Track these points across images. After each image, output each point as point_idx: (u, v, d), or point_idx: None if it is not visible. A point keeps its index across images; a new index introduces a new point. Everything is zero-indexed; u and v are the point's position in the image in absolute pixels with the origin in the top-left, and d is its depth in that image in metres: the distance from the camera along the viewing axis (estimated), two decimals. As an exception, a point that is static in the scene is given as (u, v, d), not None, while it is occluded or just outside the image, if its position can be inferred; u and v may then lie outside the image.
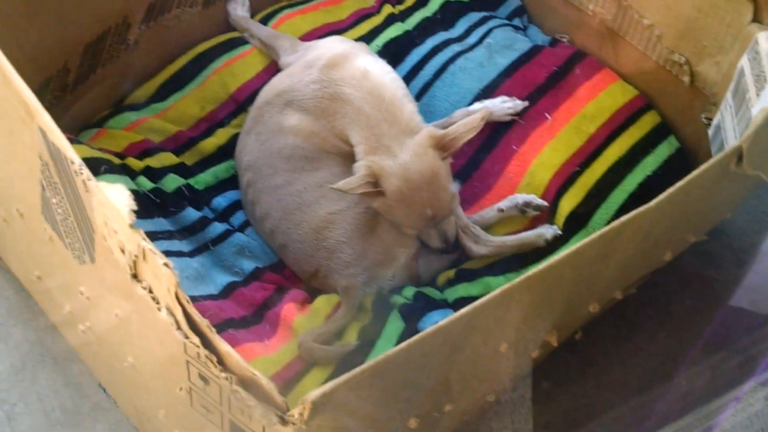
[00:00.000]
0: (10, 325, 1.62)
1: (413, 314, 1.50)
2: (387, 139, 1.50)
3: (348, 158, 1.56)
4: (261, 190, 1.60)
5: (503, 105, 1.71)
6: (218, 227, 1.60)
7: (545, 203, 1.63)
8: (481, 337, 1.09)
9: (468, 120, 1.49)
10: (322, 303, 1.54)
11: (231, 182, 1.70)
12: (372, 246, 1.55)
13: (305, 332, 1.48)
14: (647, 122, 1.74)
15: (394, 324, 1.50)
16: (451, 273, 1.61)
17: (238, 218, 1.66)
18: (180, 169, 1.67)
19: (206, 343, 1.02)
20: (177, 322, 1.03)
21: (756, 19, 1.50)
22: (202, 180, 1.68)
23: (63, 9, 1.56)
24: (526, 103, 1.72)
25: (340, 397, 0.99)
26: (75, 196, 1.13)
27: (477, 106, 1.70)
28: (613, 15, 1.79)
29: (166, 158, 1.67)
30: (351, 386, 0.98)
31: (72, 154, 1.10)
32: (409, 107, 1.56)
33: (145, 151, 1.67)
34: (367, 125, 1.52)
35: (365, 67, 1.58)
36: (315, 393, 0.96)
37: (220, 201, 1.67)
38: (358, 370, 0.98)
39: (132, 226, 1.03)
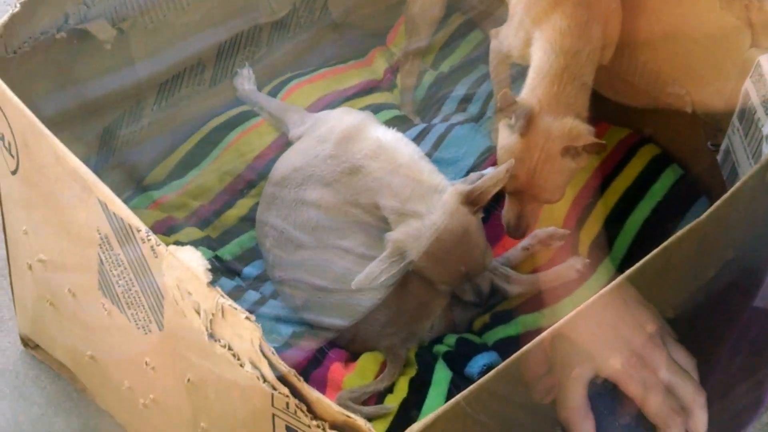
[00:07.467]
0: (51, 415, 1.60)
1: (459, 360, 1.52)
2: (412, 203, 1.52)
3: (376, 224, 1.57)
4: (287, 269, 1.60)
5: None
6: (253, 295, 1.61)
7: (567, 231, 1.67)
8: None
9: (494, 173, 1.51)
10: (368, 361, 1.55)
11: (257, 251, 1.70)
12: (406, 303, 1.56)
13: (346, 390, 1.48)
14: (646, 153, 1.81)
15: (442, 372, 1.51)
16: (486, 317, 1.63)
17: (269, 287, 1.66)
18: (206, 243, 1.68)
19: (294, 392, 1.03)
20: (263, 375, 1.04)
21: (754, 44, 1.57)
22: (229, 251, 1.69)
23: (83, 94, 1.58)
24: None
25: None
26: (140, 264, 1.14)
27: (490, 170, 1.71)
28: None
29: (192, 233, 1.69)
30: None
31: (137, 221, 1.11)
32: (428, 167, 1.59)
33: (170, 227, 1.68)
34: (391, 193, 1.54)
35: (377, 136, 1.62)
36: (417, 426, 0.97)
37: (250, 270, 1.67)
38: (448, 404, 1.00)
39: (209, 284, 1.05)
